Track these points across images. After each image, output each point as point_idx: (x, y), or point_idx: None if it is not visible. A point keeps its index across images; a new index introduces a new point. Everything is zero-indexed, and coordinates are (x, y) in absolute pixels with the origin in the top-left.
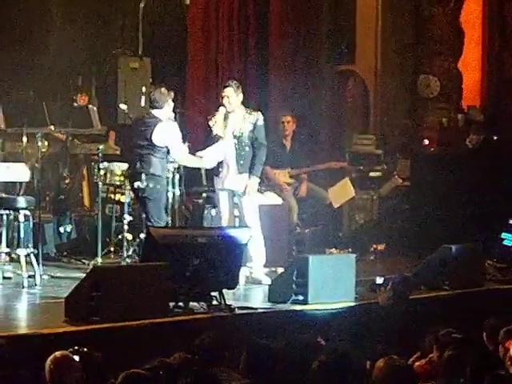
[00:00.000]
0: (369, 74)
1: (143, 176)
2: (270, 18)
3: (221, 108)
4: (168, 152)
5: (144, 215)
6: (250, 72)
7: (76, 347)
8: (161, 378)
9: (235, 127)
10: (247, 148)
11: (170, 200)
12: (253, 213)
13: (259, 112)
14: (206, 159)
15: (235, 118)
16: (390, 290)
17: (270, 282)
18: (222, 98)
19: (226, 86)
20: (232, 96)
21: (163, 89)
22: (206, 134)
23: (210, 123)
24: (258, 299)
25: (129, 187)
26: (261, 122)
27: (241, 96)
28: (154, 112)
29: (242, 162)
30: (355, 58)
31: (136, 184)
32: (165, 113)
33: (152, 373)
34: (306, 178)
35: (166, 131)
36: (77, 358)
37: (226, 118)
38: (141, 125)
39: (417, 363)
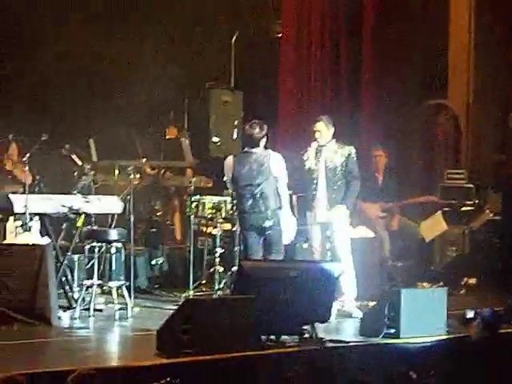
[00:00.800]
0: (461, 108)
1: (269, 213)
2: (363, 51)
3: (313, 143)
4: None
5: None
6: (342, 106)
7: (168, 379)
8: None
9: (328, 161)
10: (340, 182)
11: None
12: (345, 246)
13: (352, 146)
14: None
15: (327, 151)
16: (480, 324)
17: (361, 316)
18: (314, 132)
19: (318, 121)
20: (323, 130)
21: (258, 127)
22: (298, 168)
23: (304, 157)
24: (349, 332)
25: (220, 219)
26: (353, 156)
27: (332, 130)
28: (254, 150)
29: (334, 195)
30: (447, 92)
31: (267, 223)
32: (262, 149)
33: None
34: (398, 212)
35: (281, 161)
36: None
37: (317, 152)
38: (250, 164)
39: None
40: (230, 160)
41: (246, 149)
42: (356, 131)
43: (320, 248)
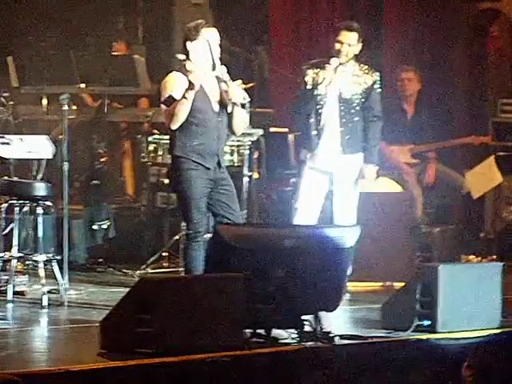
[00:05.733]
0: None
1: None
2: None
3: (332, 59)
4: (196, 123)
5: None
6: (359, 12)
7: None
8: None
9: (343, 87)
10: (356, 118)
11: (246, 187)
12: (354, 208)
13: (378, 73)
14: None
15: (345, 74)
16: None
17: None
18: (337, 42)
19: (349, 30)
20: (354, 45)
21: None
22: (299, 92)
23: (306, 78)
24: (367, 325)
25: None
26: (378, 88)
27: (360, 47)
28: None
29: (348, 136)
30: None
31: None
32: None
33: None
34: (435, 158)
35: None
36: None
37: (335, 72)
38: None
39: None
40: None
41: None
42: (376, 43)
43: (314, 208)
